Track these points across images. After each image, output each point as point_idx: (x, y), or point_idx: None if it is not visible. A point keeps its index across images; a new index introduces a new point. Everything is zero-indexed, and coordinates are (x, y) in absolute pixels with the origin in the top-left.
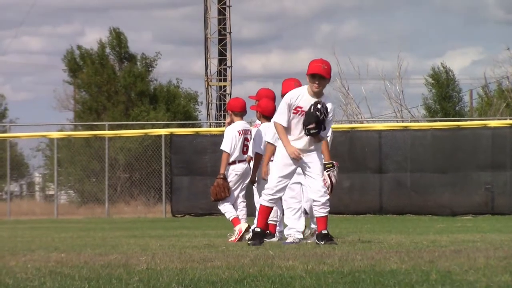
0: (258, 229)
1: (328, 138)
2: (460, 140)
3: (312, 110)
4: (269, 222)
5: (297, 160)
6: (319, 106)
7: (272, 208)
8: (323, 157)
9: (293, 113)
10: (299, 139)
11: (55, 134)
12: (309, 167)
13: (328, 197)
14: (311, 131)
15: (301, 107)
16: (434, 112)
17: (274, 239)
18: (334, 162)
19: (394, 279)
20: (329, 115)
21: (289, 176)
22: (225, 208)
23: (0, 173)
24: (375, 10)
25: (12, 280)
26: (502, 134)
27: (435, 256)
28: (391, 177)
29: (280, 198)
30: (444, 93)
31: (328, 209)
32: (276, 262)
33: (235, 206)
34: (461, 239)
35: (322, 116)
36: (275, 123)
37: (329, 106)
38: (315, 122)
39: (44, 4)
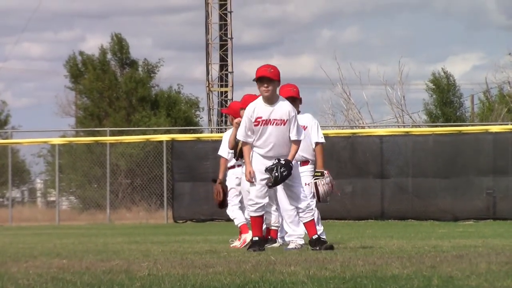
0: (256, 238)
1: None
2: (461, 145)
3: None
4: (271, 227)
5: (251, 182)
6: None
7: (262, 216)
8: (312, 166)
9: (255, 125)
10: (269, 149)
11: (57, 140)
12: None
13: (308, 201)
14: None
15: (260, 117)
16: (435, 117)
17: (276, 245)
18: (324, 171)
19: (396, 285)
20: (292, 115)
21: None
22: (234, 214)
23: (2, 180)
24: (376, 15)
25: (14, 287)
26: (504, 139)
27: (437, 262)
28: (393, 182)
29: (278, 204)
30: (445, 98)
31: (312, 212)
32: (278, 268)
33: (242, 210)
34: (463, 244)
35: (276, 176)
36: (241, 143)
37: (286, 107)
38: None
39: (45, 10)
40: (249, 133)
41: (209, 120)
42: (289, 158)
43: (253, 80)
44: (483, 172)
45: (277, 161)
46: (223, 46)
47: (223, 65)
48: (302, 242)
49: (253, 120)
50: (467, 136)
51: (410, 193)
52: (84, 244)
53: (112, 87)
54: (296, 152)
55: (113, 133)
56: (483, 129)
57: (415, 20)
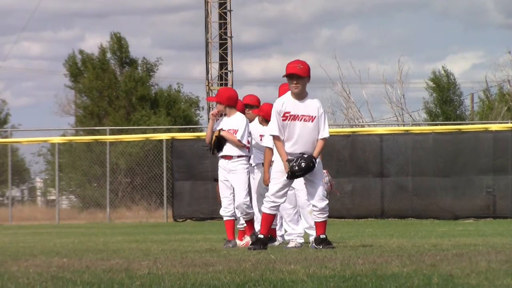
0: (261, 236)
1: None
2: (461, 143)
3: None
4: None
5: (287, 177)
6: (299, 163)
7: (274, 215)
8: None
9: (283, 120)
10: (295, 145)
11: (57, 139)
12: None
13: (327, 202)
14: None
15: (288, 112)
16: (435, 116)
17: (276, 243)
18: (323, 170)
19: (395, 283)
20: (320, 112)
21: (289, 182)
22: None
23: (2, 179)
24: (375, 15)
25: (14, 285)
26: (504, 138)
27: (437, 260)
28: (393, 181)
29: None
30: (445, 97)
31: (327, 214)
32: (278, 266)
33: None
34: (463, 243)
35: (293, 166)
36: (272, 137)
37: (315, 104)
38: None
39: (44, 9)
40: (280, 128)
41: (209, 119)
42: (314, 154)
43: (283, 76)
44: (483, 171)
45: (300, 154)
46: (222, 45)
47: (223, 64)
48: (302, 240)
49: (281, 115)
50: (467, 134)
51: (410, 192)
52: (84, 243)
53: (111, 86)
54: (322, 149)
55: (113, 132)
56: (483, 128)
57: (414, 19)
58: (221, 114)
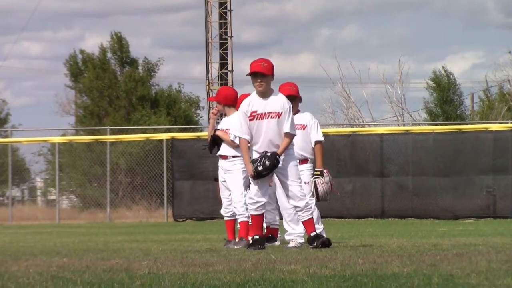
0: (257, 236)
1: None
2: (461, 143)
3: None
4: (272, 226)
5: (252, 177)
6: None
7: (262, 215)
8: (311, 165)
9: (250, 120)
10: (262, 144)
11: (57, 139)
12: (282, 173)
13: (307, 199)
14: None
15: (255, 111)
16: (435, 115)
17: (277, 243)
18: (323, 170)
19: (396, 283)
20: (286, 107)
21: (267, 179)
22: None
23: (2, 178)
24: (375, 14)
25: (14, 285)
26: (504, 138)
27: (437, 260)
28: (393, 181)
29: (277, 203)
30: (445, 97)
31: (311, 211)
32: (278, 266)
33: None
34: (463, 243)
35: (257, 167)
36: (239, 138)
37: (280, 100)
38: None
39: (44, 9)
40: (246, 128)
41: (209, 119)
42: (278, 151)
43: (247, 74)
44: (483, 171)
45: (263, 153)
46: (223, 45)
47: (223, 64)
48: (302, 240)
49: (248, 115)
50: (467, 134)
51: (410, 192)
52: (84, 242)
53: (112, 86)
54: (288, 145)
55: (113, 132)
56: (483, 128)
57: (414, 19)
58: (222, 114)
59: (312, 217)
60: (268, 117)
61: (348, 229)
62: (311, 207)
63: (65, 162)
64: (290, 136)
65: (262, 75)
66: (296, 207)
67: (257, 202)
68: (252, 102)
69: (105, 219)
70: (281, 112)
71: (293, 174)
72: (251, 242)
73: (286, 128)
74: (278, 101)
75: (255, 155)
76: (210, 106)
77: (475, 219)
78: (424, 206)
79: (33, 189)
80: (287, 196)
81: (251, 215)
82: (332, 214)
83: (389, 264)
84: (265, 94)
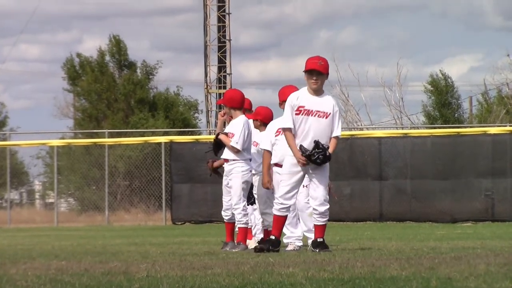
0: (273, 237)
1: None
2: (460, 146)
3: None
4: (270, 229)
5: (304, 165)
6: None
7: (286, 216)
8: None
9: (296, 114)
10: (306, 140)
11: (55, 142)
12: (314, 174)
13: (327, 206)
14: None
15: (302, 106)
16: (433, 119)
17: None
18: None
19: (394, 286)
20: (336, 109)
21: (298, 183)
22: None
23: (0, 181)
24: (374, 17)
25: None
26: (502, 141)
27: (436, 263)
28: (391, 184)
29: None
30: (444, 100)
31: (327, 218)
32: (276, 269)
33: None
34: (461, 246)
35: (317, 156)
36: (283, 130)
37: (331, 101)
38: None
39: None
40: (291, 120)
41: (208, 122)
42: (330, 151)
43: (303, 71)
44: (481, 174)
45: (318, 143)
46: (221, 48)
47: (222, 67)
48: (301, 243)
49: (295, 109)
50: (465, 137)
51: (409, 195)
52: (82, 245)
53: (110, 89)
54: (335, 148)
55: (111, 135)
56: (481, 131)
57: (412, 21)
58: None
59: (325, 225)
60: (315, 115)
61: (347, 232)
62: (328, 215)
63: (64, 165)
64: (338, 139)
65: (318, 73)
66: (314, 209)
67: (282, 203)
68: (301, 97)
69: (103, 222)
70: (330, 113)
71: (324, 177)
72: (256, 245)
73: (337, 132)
74: (329, 102)
75: (289, 160)
76: (209, 109)
77: (474, 222)
78: (422, 209)
79: (31, 192)
80: (311, 196)
81: (274, 214)
82: (331, 217)
83: (387, 267)
84: (317, 92)
